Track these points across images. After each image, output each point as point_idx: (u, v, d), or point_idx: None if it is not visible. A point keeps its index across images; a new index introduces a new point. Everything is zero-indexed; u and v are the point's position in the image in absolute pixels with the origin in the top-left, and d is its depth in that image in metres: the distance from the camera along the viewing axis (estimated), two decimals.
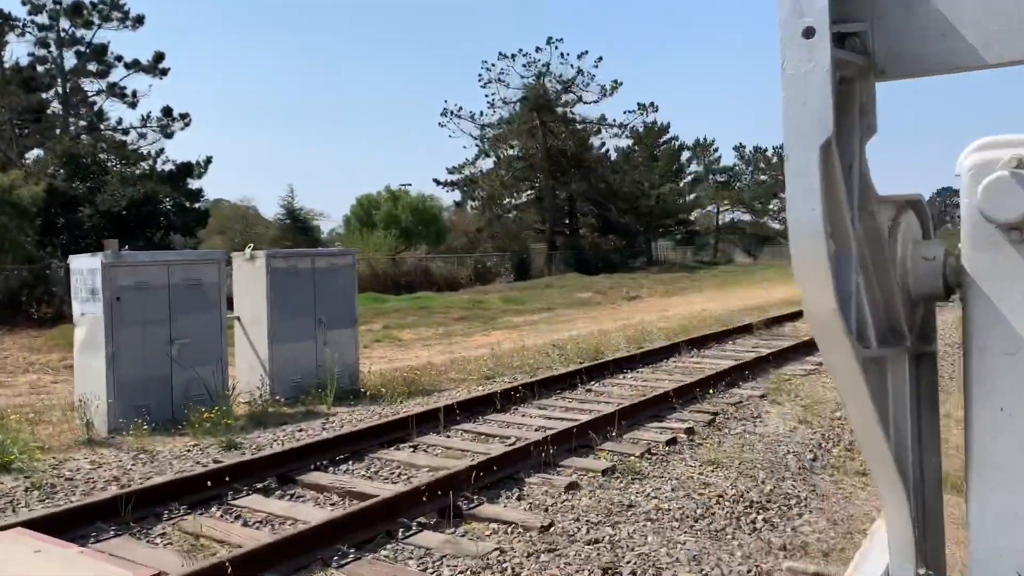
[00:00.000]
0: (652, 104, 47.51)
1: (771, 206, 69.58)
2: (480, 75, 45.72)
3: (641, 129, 53.08)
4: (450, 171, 48.35)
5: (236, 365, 10.47)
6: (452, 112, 46.29)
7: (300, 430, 8.26)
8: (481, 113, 46.59)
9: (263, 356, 10.27)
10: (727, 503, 6.05)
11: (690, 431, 7.70)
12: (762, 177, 73.09)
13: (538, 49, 44.92)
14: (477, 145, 48.15)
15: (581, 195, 47.76)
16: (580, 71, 45.60)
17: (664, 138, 59.84)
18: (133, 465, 7.08)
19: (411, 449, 7.31)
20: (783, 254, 67.72)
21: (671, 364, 11.56)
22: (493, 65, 45.11)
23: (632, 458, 6.83)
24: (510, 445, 7.25)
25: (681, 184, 61.51)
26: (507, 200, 48.26)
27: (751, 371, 10.48)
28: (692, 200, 61.13)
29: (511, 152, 47.42)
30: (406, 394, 10.11)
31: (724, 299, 26.78)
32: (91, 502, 5.41)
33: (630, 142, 55.62)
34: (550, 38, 44.33)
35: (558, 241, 47.68)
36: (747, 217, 67.72)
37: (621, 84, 46.17)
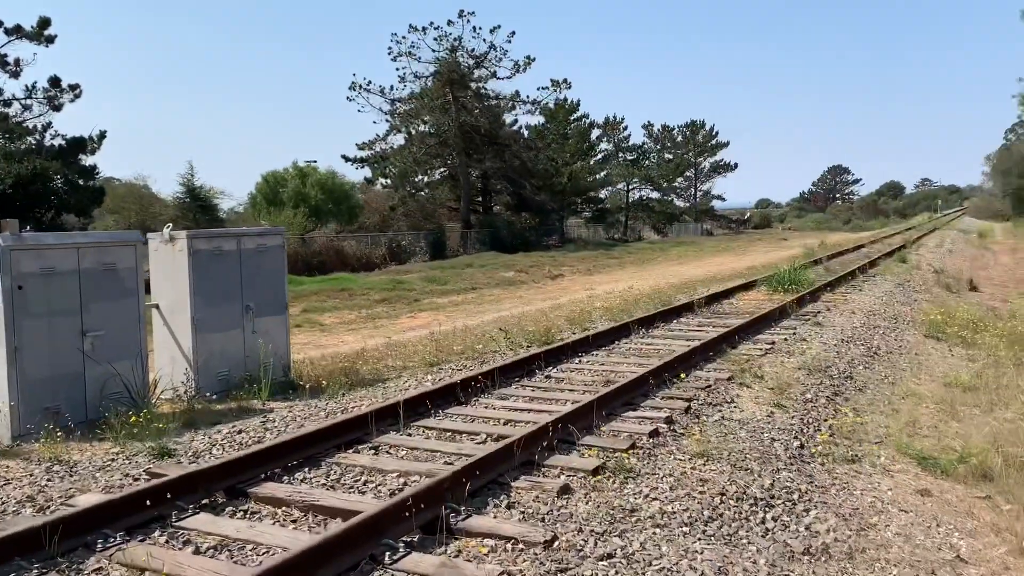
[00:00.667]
0: (565, 81, 47.11)
1: (673, 184, 70.60)
2: (390, 48, 44.30)
3: (553, 106, 52.67)
4: (360, 147, 46.93)
5: (156, 358, 9.43)
6: (360, 86, 44.80)
7: (238, 431, 7.38)
8: (391, 87, 45.28)
9: (186, 348, 9.28)
10: (731, 501, 5.56)
11: (669, 420, 7.20)
12: (667, 156, 74.12)
13: (450, 22, 43.86)
14: (387, 120, 46.82)
15: (495, 172, 47.09)
16: (493, 46, 44.81)
17: (575, 116, 59.69)
18: (49, 480, 6.09)
19: (372, 452, 6.55)
20: (689, 231, 68.90)
21: (624, 347, 11.07)
22: (404, 38, 43.83)
23: (619, 454, 6.27)
24: (484, 444, 6.60)
25: (591, 162, 61.56)
26: (420, 177, 47.17)
27: (709, 352, 10.08)
28: (603, 178, 61.27)
29: (423, 128, 46.26)
30: (347, 386, 9.30)
31: (647, 277, 26.68)
32: (5, 536, 4.47)
33: (542, 119, 55.23)
34: (462, 11, 43.29)
35: (473, 219, 46.96)
36: (655, 195, 68.48)
37: (534, 60, 45.63)
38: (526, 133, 51.75)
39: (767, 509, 5.54)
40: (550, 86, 47.20)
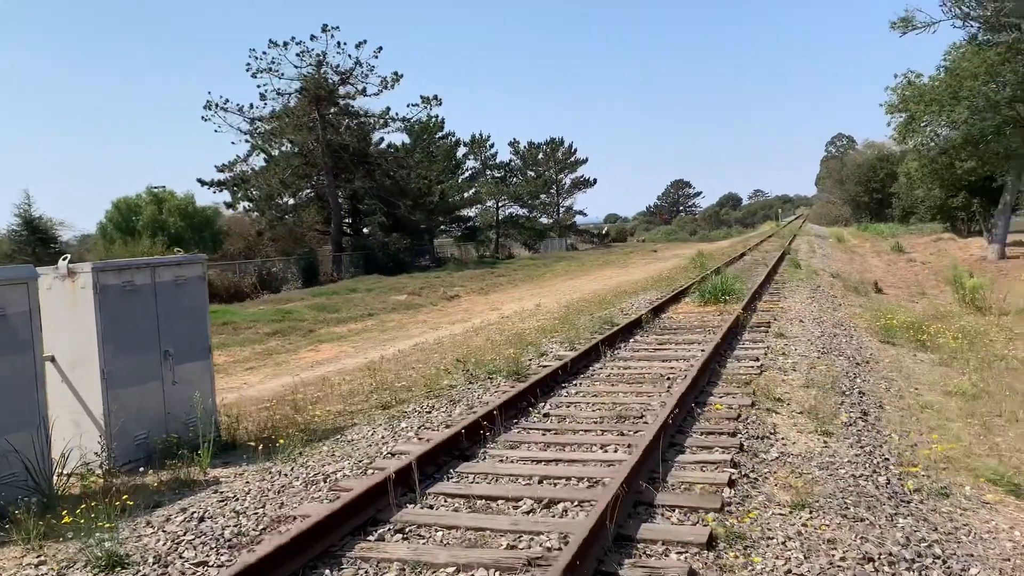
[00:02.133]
0: (436, 97, 45.80)
1: (537, 201, 70.71)
2: (249, 64, 41.58)
3: (422, 123, 51.33)
4: (219, 169, 43.79)
5: (55, 425, 7.44)
6: (217, 104, 41.77)
7: (195, 516, 5.65)
8: (251, 106, 42.51)
9: (95, 409, 7.40)
10: (885, 567, 4.47)
11: (735, 464, 6.07)
12: (530, 172, 74.26)
13: (313, 37, 41.67)
14: (247, 141, 43.94)
15: (367, 192, 45.14)
16: (359, 62, 42.94)
17: (440, 134, 58.57)
18: None
19: (401, 538, 5.04)
20: (555, 247, 69.08)
21: (605, 372, 9.91)
22: (264, 54, 41.25)
23: (715, 515, 5.07)
24: (536, 513, 5.24)
25: (459, 180, 60.58)
26: (286, 200, 44.55)
27: (703, 376, 9.08)
28: (472, 196, 60.37)
29: (288, 148, 43.75)
30: (303, 441, 7.65)
31: (548, 294, 25.78)
32: None
33: (407, 138, 53.76)
34: (325, 26, 41.21)
35: (344, 242, 44.80)
36: (522, 212, 68.27)
37: (402, 76, 44.08)
38: (396, 151, 50.02)
39: (925, 572, 4.49)
40: (420, 103, 45.82)
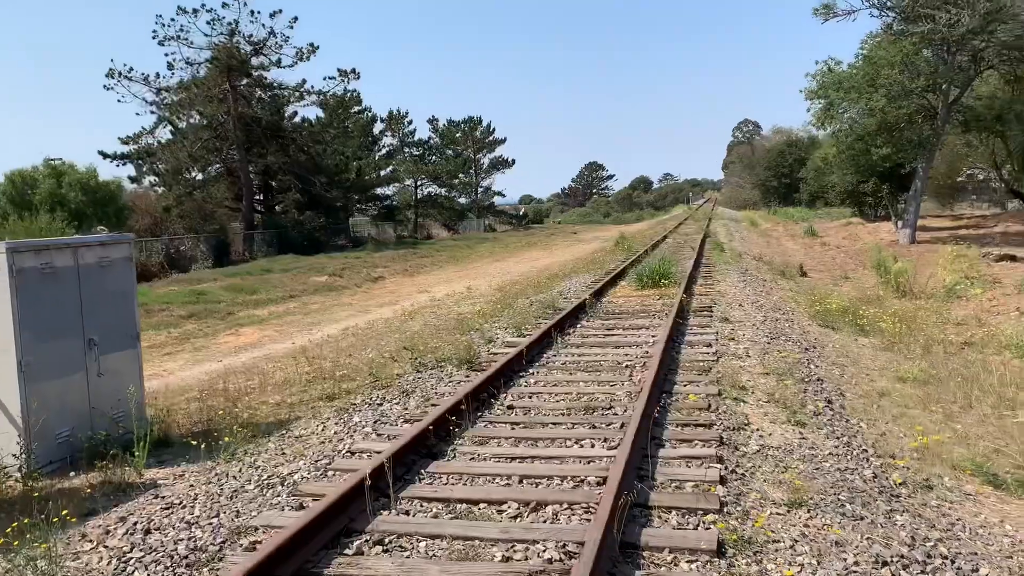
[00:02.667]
0: (354, 71, 44.49)
1: (456, 181, 69.95)
2: (155, 32, 39.42)
3: (341, 96, 49.87)
4: (123, 141, 41.54)
5: None
6: (120, 73, 39.50)
7: (139, 528, 5.06)
8: (158, 75, 40.41)
9: (12, 405, 6.66)
10: (901, 570, 4.28)
11: (720, 459, 5.82)
12: (449, 151, 73.35)
13: (224, 5, 39.80)
14: (154, 112, 41.77)
15: (280, 168, 43.58)
16: (273, 32, 41.26)
17: (356, 109, 57.10)
18: None
19: (382, 551, 4.58)
20: (473, 227, 68.56)
21: (560, 360, 9.57)
22: (173, 20, 39.18)
23: (715, 516, 4.80)
24: (524, 519, 4.85)
25: (376, 157, 59.27)
26: (195, 174, 42.62)
27: (668, 364, 8.85)
28: (389, 173, 59.15)
29: (197, 120, 41.80)
30: (247, 437, 7.07)
31: (477, 276, 25.35)
32: None
33: (324, 113, 52.18)
34: None
35: (256, 219, 43.23)
36: (441, 191, 67.39)
37: (318, 48, 42.60)
38: (311, 126, 48.46)
39: (940, 573, 4.32)
40: (337, 76, 44.42)
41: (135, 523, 5.16)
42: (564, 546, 4.41)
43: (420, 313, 16.45)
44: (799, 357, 9.76)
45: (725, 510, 4.90)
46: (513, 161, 79.29)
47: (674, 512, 4.87)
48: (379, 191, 59.08)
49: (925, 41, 26.25)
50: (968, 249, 21.10)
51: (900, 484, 5.75)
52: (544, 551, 4.37)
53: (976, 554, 4.69)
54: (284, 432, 7.39)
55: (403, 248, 41.31)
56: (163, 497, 5.73)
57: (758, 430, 6.69)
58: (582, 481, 5.42)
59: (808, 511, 5.00)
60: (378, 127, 60.64)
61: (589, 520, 4.74)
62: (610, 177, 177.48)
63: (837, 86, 28.48)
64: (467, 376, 8.89)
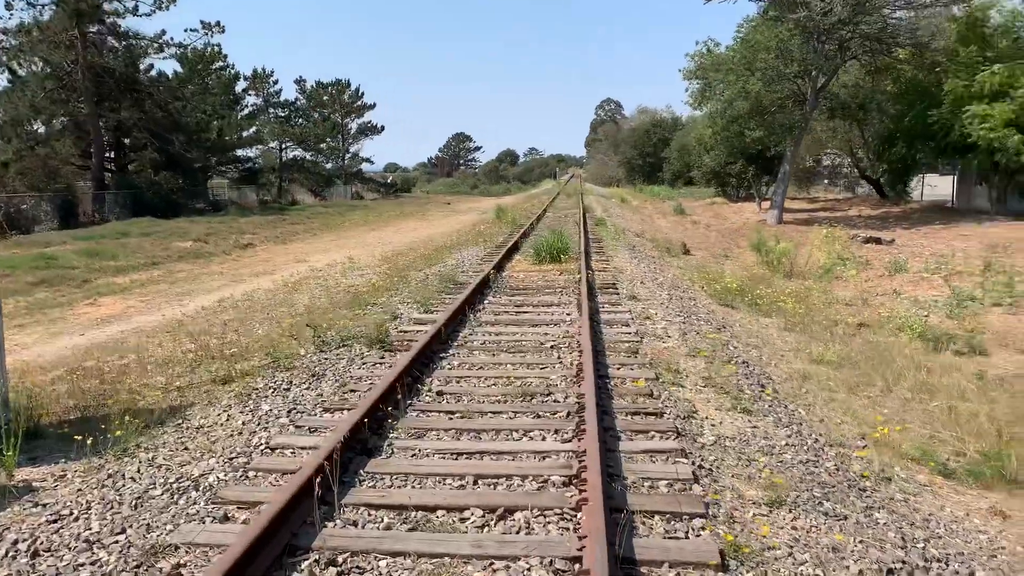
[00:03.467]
0: (218, 24, 41.78)
1: (323, 145, 67.53)
2: None
3: (202, 50, 46.79)
4: None
5: None
6: None
7: (31, 551, 4.17)
8: None
9: None
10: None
11: (684, 453, 5.44)
12: (316, 115, 70.70)
13: None
14: None
15: (134, 124, 40.43)
16: None
17: (218, 65, 53.86)
18: None
19: (334, 573, 3.91)
20: (340, 194, 66.48)
21: (479, 340, 8.98)
22: None
23: (703, 521, 4.41)
24: (490, 529, 4.30)
25: (239, 117, 56.23)
26: (37, 127, 38.91)
27: (598, 344, 8.45)
28: (253, 135, 56.27)
29: (40, 68, 38.09)
30: (138, 428, 6.14)
31: (356, 246, 24.31)
32: None
33: (183, 68, 48.90)
34: None
35: (107, 179, 40.05)
36: (308, 155, 64.85)
37: None
38: (167, 81, 45.22)
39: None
40: (200, 29, 41.57)
41: (16, 543, 4.24)
42: (551, 563, 3.89)
43: (304, 285, 15.43)
44: (717, 338, 9.60)
45: (711, 514, 4.51)
46: (383, 127, 77.46)
47: (658, 518, 4.43)
48: (241, 153, 56.25)
49: (799, 28, 27.06)
50: (839, 231, 21.97)
51: (863, 477, 5.57)
52: (529, 570, 3.84)
53: (963, 554, 4.52)
54: (180, 422, 6.49)
55: (270, 214, 39.36)
56: (45, 505, 4.80)
57: (707, 418, 6.38)
58: (546, 481, 4.91)
59: (790, 511, 4.70)
60: (241, 85, 57.57)
61: (569, 529, 4.24)
62: (477, 149, 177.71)
63: (716, 68, 29.02)
64: (381, 357, 8.17)
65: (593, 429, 5.24)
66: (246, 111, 58.58)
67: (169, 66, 48.13)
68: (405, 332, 9.33)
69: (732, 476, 5.20)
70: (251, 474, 5.15)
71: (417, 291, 12.33)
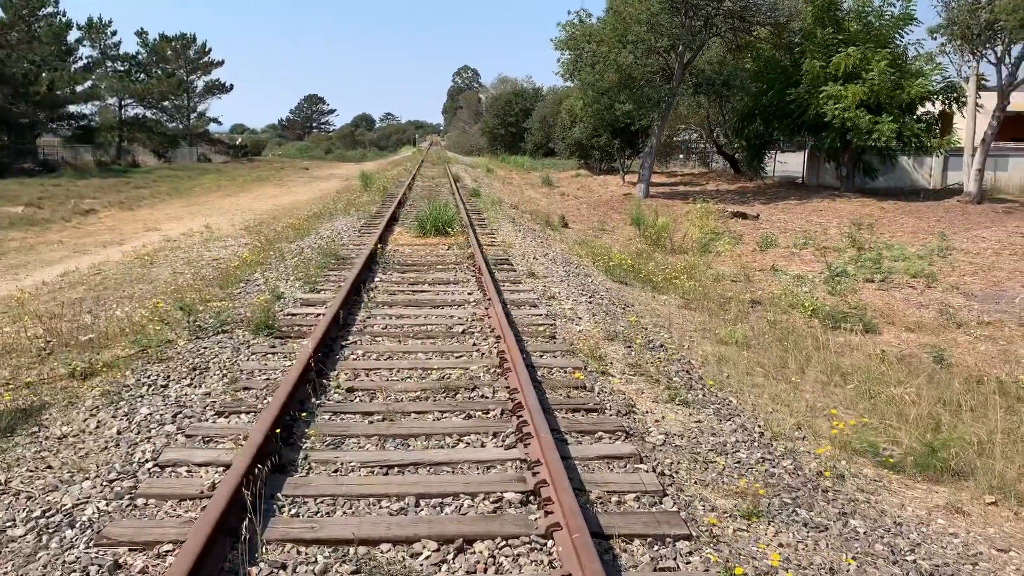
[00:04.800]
0: None
1: (166, 102, 63.19)
2: None
3: None
4: None
5: None
6: None
7: None
8: None
9: None
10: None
11: (639, 458, 4.94)
12: (158, 71, 65.89)
13: None
14: None
15: None
16: None
17: (46, 11, 48.94)
18: None
19: None
20: (185, 156, 62.49)
21: (380, 326, 8.15)
22: None
23: (687, 544, 3.91)
24: (482, 566, 3.63)
25: (72, 70, 51.47)
26: None
27: (511, 328, 7.85)
28: (88, 89, 51.68)
29: None
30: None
31: (212, 213, 22.57)
32: None
33: (5, 13, 44.08)
34: None
35: None
36: (150, 114, 60.39)
37: None
38: None
39: None
40: None
41: None
42: None
43: (161, 257, 13.97)
44: (628, 320, 9.21)
45: (691, 531, 4.01)
46: (231, 86, 73.54)
47: (638, 542, 3.89)
48: (75, 109, 51.61)
49: (668, 1, 27.19)
50: (712, 206, 22.31)
51: (820, 476, 5.25)
52: None
53: (950, 564, 4.24)
54: (36, 430, 5.40)
55: (111, 176, 36.24)
56: None
57: (648, 413, 5.92)
58: (500, 500, 4.27)
59: (769, 524, 4.29)
60: (75, 35, 52.61)
61: (546, 564, 3.63)
62: (331, 112, 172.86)
63: (587, 39, 28.80)
64: (272, 346, 7.23)
65: (545, 433, 4.64)
66: (81, 63, 53.74)
67: None
68: (294, 315, 8.38)
69: (696, 483, 4.74)
70: (141, 503, 4.22)
71: (296, 267, 11.30)
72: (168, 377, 6.45)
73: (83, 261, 14.36)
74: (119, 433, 5.26)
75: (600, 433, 5.26)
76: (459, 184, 29.85)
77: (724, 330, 9.54)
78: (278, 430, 4.79)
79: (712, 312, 10.86)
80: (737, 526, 4.22)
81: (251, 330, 7.74)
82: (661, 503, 4.31)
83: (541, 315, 8.68)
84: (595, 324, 8.61)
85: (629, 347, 7.80)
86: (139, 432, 5.24)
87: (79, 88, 50.84)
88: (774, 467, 5.16)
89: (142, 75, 58.40)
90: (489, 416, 5.52)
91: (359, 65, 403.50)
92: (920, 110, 28.96)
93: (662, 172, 45.73)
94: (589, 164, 47.81)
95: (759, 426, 6.06)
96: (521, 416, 5.30)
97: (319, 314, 8.07)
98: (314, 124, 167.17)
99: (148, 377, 6.47)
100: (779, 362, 8.51)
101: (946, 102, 28.83)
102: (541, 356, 7.05)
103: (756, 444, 5.57)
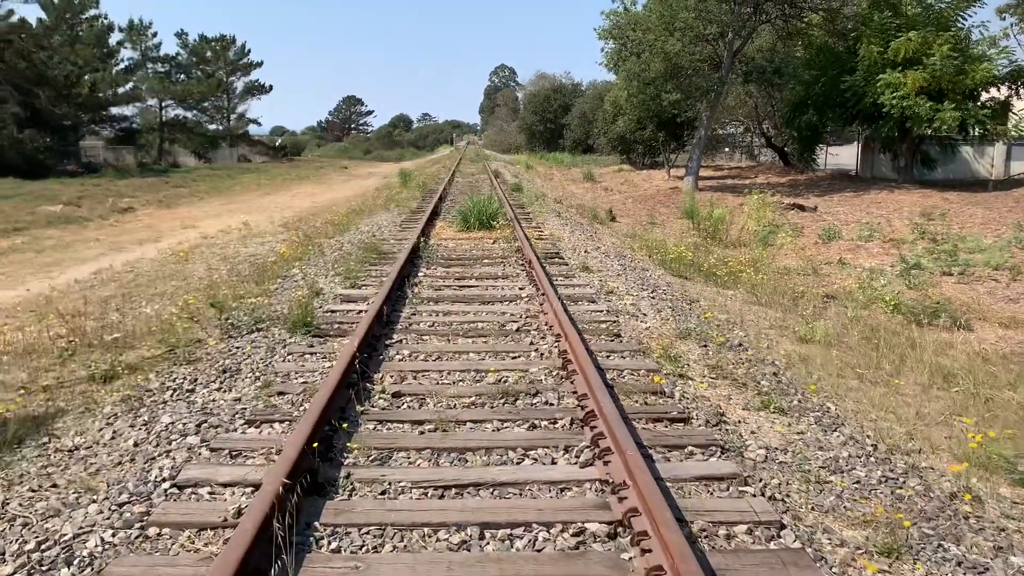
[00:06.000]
0: None
1: (207, 104, 63.46)
2: None
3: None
4: None
5: None
6: None
7: None
8: None
9: None
10: None
11: (742, 479, 4.15)
12: (198, 72, 66.25)
13: None
14: None
15: None
16: None
17: (89, 14, 49.27)
18: None
19: None
20: (226, 157, 62.65)
21: (427, 324, 7.43)
22: None
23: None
24: None
25: (114, 72, 51.81)
26: None
27: (575, 329, 7.08)
28: (130, 91, 51.96)
29: None
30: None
31: (252, 211, 22.14)
32: None
33: (48, 15, 44.41)
34: None
35: None
36: (190, 115, 60.67)
37: None
38: (31, 29, 40.82)
39: None
40: None
41: None
42: None
43: (197, 253, 13.45)
44: (696, 315, 8.39)
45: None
46: (271, 87, 73.54)
47: None
48: (116, 111, 51.88)
49: None
50: (769, 197, 21.29)
51: (955, 498, 4.39)
52: None
53: None
54: (47, 440, 4.77)
55: (151, 176, 36.15)
56: None
57: (741, 423, 5.11)
58: (582, 532, 3.51)
59: (915, 561, 3.49)
60: (116, 38, 52.94)
61: None
62: (369, 113, 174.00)
63: (634, 27, 27.88)
64: (310, 346, 6.55)
65: (631, 449, 3.86)
66: (122, 66, 54.09)
67: (32, 13, 43.42)
68: (334, 312, 7.70)
69: (814, 509, 3.94)
70: (153, 532, 3.53)
71: (336, 262, 10.65)
72: (195, 380, 5.80)
73: (118, 259, 13.90)
74: (136, 445, 4.60)
75: (690, 448, 4.47)
76: (499, 180, 29.14)
77: (803, 327, 8.66)
78: (315, 444, 4.07)
79: (785, 308, 9.98)
80: (879, 566, 3.41)
81: (288, 328, 7.07)
82: (780, 536, 3.51)
83: (601, 311, 7.90)
84: (662, 321, 7.80)
85: (705, 346, 6.99)
86: (158, 444, 4.57)
87: (120, 90, 51.14)
88: (899, 487, 4.32)
89: (182, 76, 58.64)
90: (557, 426, 4.76)
91: (396, 66, 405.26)
92: (984, 96, 27.54)
93: (708, 166, 44.57)
94: (632, 159, 46.80)
95: (869, 437, 5.21)
96: (595, 427, 4.54)
97: (361, 311, 7.39)
98: (352, 125, 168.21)
99: (173, 380, 5.83)
100: (870, 362, 7.63)
101: (1013, 88, 27.37)
102: (608, 356, 6.27)
103: (872, 460, 4.73)
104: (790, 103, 32.65)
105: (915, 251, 15.28)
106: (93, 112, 47.36)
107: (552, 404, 5.15)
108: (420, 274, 9.77)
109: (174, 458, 4.34)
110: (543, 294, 8.11)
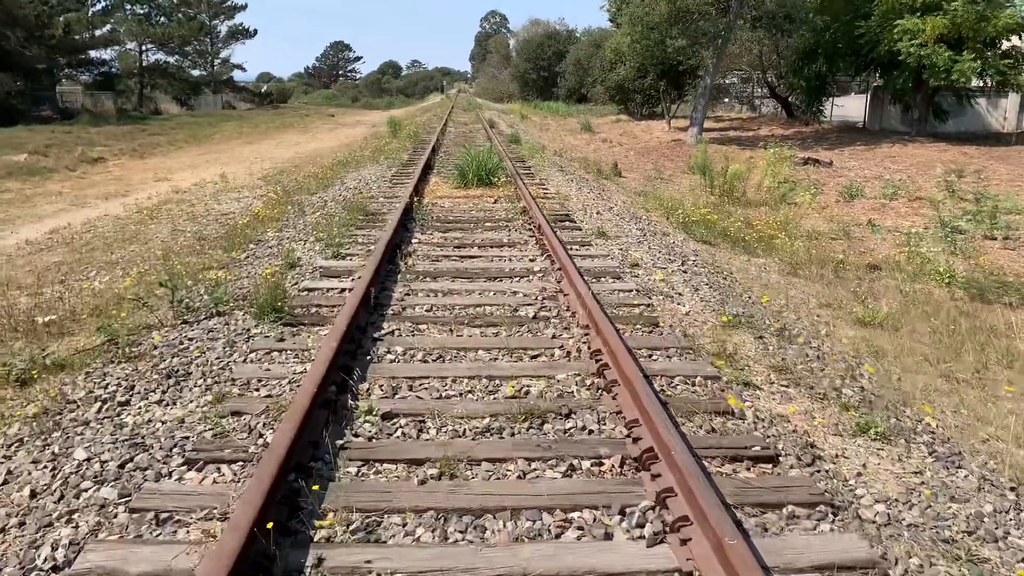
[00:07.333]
0: None
1: (189, 48, 61.03)
2: None
3: None
4: None
5: None
6: None
7: None
8: None
9: None
10: None
11: (871, 563, 2.95)
12: (179, 14, 63.62)
13: None
14: None
15: None
16: None
17: None
18: None
19: None
20: (210, 104, 60.49)
21: (424, 308, 6.17)
22: None
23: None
24: None
25: (90, 13, 49.50)
26: None
27: (593, 324, 5.85)
28: (107, 34, 49.69)
29: None
30: None
31: (230, 161, 20.66)
32: None
33: None
34: None
35: None
36: (172, 60, 58.36)
37: None
38: None
39: None
40: None
41: None
42: None
43: (164, 211, 12.10)
44: (738, 295, 7.16)
45: None
46: (255, 31, 70.92)
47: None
48: (94, 55, 49.67)
49: None
50: (786, 151, 19.93)
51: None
52: None
53: None
54: None
55: (128, 123, 34.38)
56: None
57: (840, 458, 3.91)
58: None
59: None
60: None
61: None
62: (357, 59, 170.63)
63: None
64: (281, 338, 5.30)
65: (720, 519, 2.64)
66: (99, 6, 51.70)
67: None
68: (311, 291, 6.43)
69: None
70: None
71: (317, 224, 9.34)
72: (131, 388, 4.54)
73: (78, 216, 12.56)
74: (33, 497, 3.36)
75: (790, 506, 3.27)
76: (494, 130, 27.63)
77: (860, 308, 7.45)
78: (269, 524, 2.83)
79: (829, 282, 8.76)
80: None
81: (254, 313, 5.79)
82: None
83: (629, 291, 6.65)
84: (703, 303, 6.57)
85: (760, 338, 5.78)
86: (62, 497, 3.34)
87: (97, 32, 48.92)
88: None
89: (162, 19, 56.19)
90: (604, 470, 3.55)
91: (384, 11, 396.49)
92: (1005, 44, 26.06)
93: (709, 117, 43.05)
94: (629, 109, 45.14)
95: (1001, 475, 4.03)
96: (658, 474, 3.33)
97: (343, 289, 6.13)
98: (340, 72, 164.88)
99: (105, 387, 4.57)
100: (948, 352, 6.44)
101: None
102: (650, 356, 5.04)
103: (1017, 512, 3.55)
104: (799, 51, 31.07)
105: (952, 212, 14.04)
106: (69, 55, 45.21)
107: (592, 432, 3.93)
108: (414, 241, 8.48)
109: (77, 526, 3.11)
110: (560, 268, 6.86)
